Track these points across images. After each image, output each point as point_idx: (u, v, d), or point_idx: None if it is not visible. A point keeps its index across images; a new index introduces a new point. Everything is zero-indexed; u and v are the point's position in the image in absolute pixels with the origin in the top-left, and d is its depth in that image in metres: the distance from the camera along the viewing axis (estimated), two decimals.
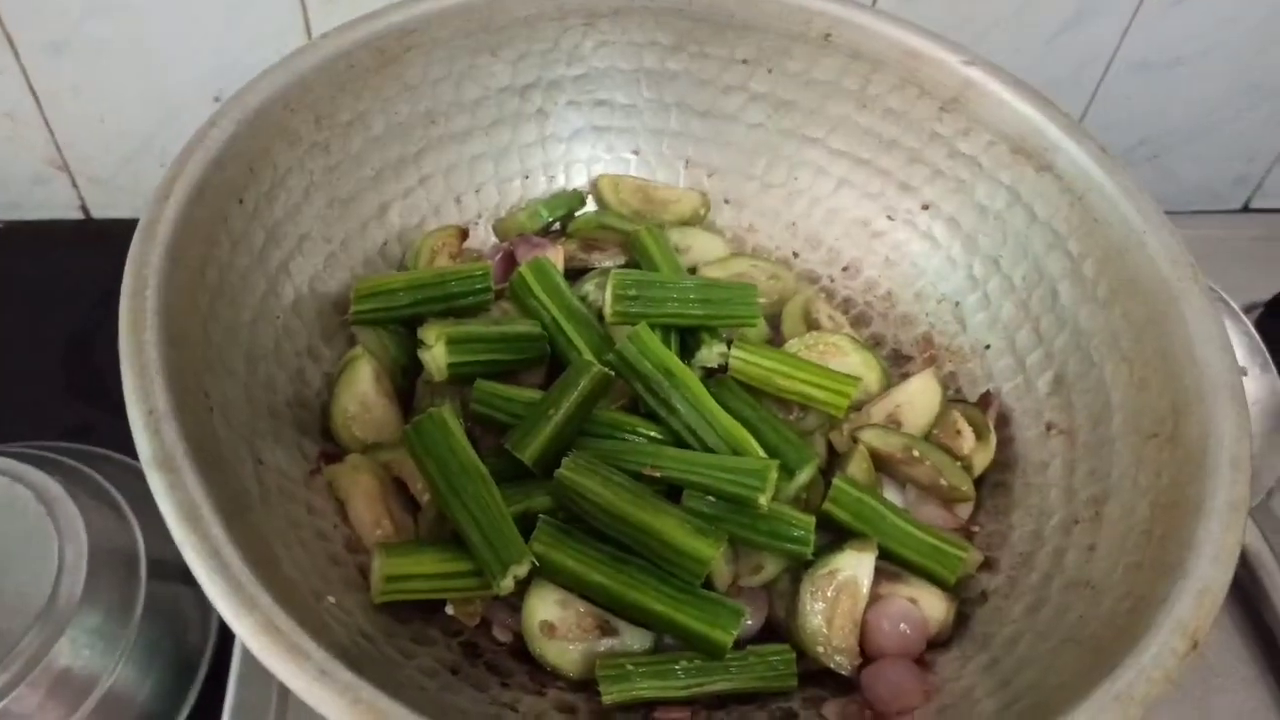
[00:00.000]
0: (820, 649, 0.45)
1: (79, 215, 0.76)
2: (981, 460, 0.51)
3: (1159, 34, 0.75)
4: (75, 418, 0.63)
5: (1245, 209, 0.92)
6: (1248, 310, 0.72)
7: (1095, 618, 0.41)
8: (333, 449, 0.48)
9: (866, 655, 0.45)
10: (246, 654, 0.48)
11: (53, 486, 0.51)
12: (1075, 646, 0.40)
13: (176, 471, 0.33)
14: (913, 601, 0.46)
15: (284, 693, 0.48)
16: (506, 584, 0.41)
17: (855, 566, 0.46)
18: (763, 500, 0.44)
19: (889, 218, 0.58)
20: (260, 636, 0.31)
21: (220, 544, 0.33)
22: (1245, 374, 0.63)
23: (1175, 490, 0.41)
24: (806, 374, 0.50)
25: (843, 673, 0.44)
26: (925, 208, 0.57)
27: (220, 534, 0.33)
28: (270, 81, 0.46)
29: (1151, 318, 0.45)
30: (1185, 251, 0.46)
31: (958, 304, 0.56)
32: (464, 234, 0.55)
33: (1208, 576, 0.37)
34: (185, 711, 0.50)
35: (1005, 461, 0.51)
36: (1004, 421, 0.52)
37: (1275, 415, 0.62)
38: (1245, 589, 0.58)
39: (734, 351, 0.50)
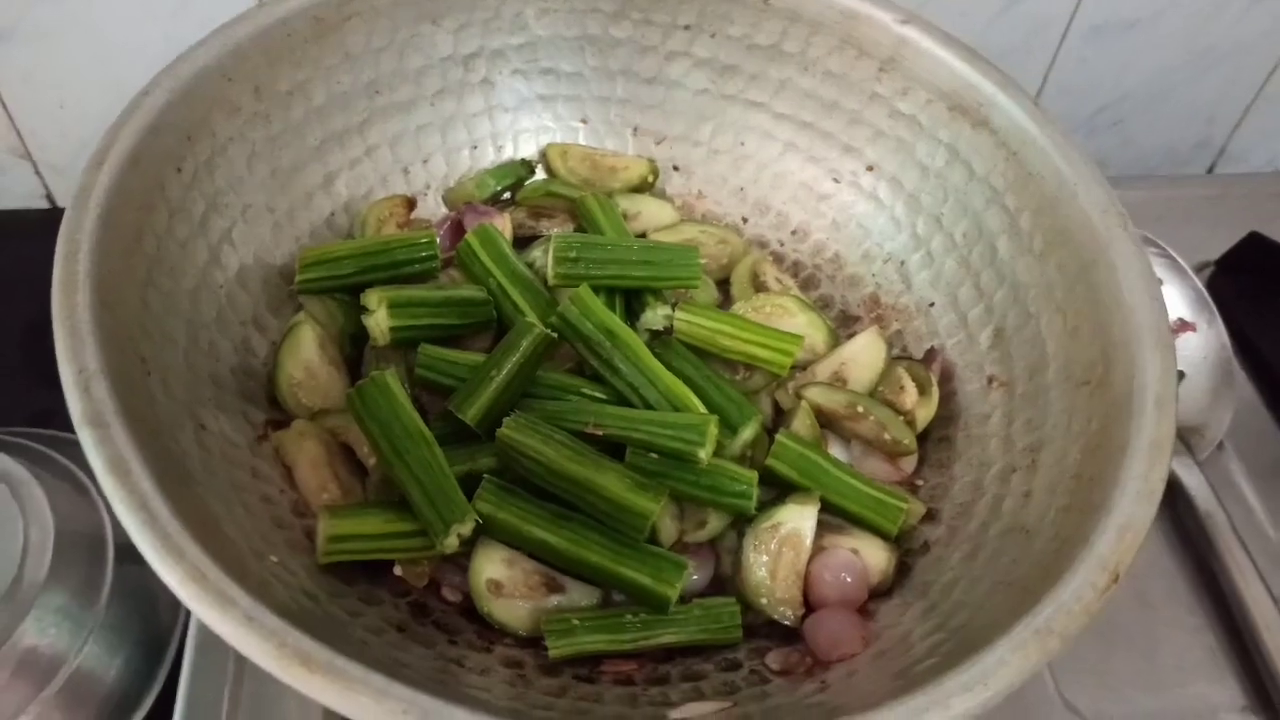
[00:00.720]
0: (764, 601, 0.45)
1: (44, 204, 0.77)
2: (924, 415, 0.52)
3: (1109, 1, 0.75)
4: (38, 404, 0.63)
5: (1210, 173, 0.93)
6: (1199, 269, 0.73)
7: (1027, 559, 0.41)
8: (280, 416, 0.48)
9: (810, 606, 0.46)
10: (201, 624, 0.49)
11: (17, 469, 0.51)
12: (1006, 589, 0.41)
13: (106, 428, 0.34)
14: (855, 553, 0.47)
15: (240, 661, 0.49)
16: (450, 543, 0.42)
17: (798, 519, 0.46)
18: (703, 455, 0.44)
19: (834, 180, 0.58)
20: (189, 585, 0.32)
21: (150, 497, 0.33)
22: (1194, 329, 0.64)
23: (1103, 434, 0.42)
24: (750, 334, 0.51)
25: (786, 623, 0.45)
26: (869, 169, 0.57)
27: (150, 488, 0.33)
28: (205, 51, 0.46)
29: (1083, 267, 0.46)
30: (1115, 201, 0.46)
31: (903, 263, 0.56)
32: (411, 204, 0.56)
33: (1129, 513, 0.38)
34: (154, 691, 0.50)
35: (948, 415, 0.52)
36: (947, 376, 0.53)
37: (1221, 369, 0.63)
38: (1193, 540, 0.58)
39: (678, 313, 0.51)
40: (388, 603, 0.43)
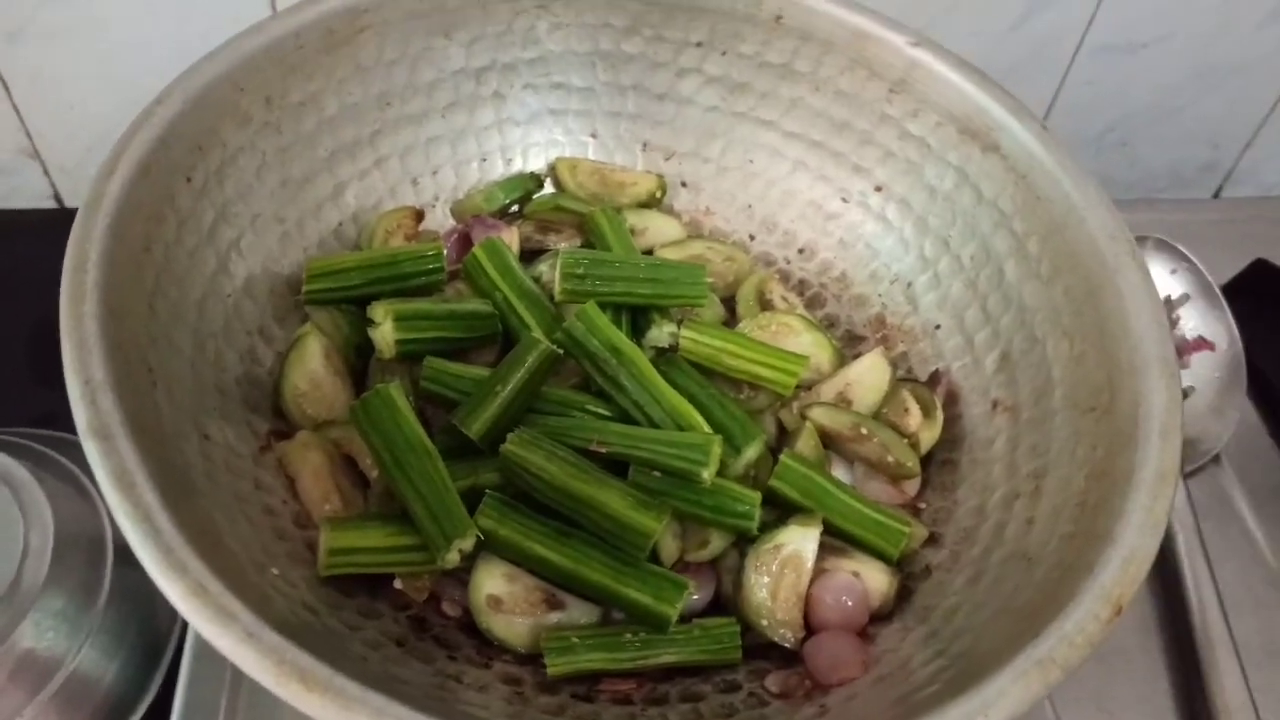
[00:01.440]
0: (765, 622, 0.45)
1: (52, 204, 0.77)
2: (928, 437, 0.51)
3: (1122, 17, 0.76)
4: (42, 404, 0.63)
5: (1216, 196, 0.93)
6: None
7: (1029, 586, 0.41)
8: (283, 427, 0.48)
9: (810, 628, 0.46)
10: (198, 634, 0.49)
11: (18, 470, 0.51)
12: (1008, 616, 0.41)
13: (111, 439, 0.34)
14: (856, 575, 0.47)
15: (237, 670, 0.49)
16: (451, 557, 0.42)
17: (800, 541, 0.46)
18: (706, 475, 0.44)
19: (843, 199, 0.58)
20: (190, 600, 0.32)
21: (153, 510, 0.33)
22: (1211, 348, 0.64)
23: (1108, 461, 0.42)
24: (755, 353, 0.51)
25: (786, 645, 0.45)
26: (878, 189, 0.57)
27: (154, 501, 0.33)
28: (218, 61, 0.46)
29: (1090, 292, 0.46)
30: (1123, 227, 0.46)
31: (909, 284, 0.56)
32: (419, 215, 0.56)
33: (1134, 544, 0.38)
34: (150, 695, 0.50)
35: (953, 439, 0.52)
36: (952, 400, 0.53)
37: (1229, 388, 0.63)
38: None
39: (683, 331, 0.50)
40: (387, 616, 0.43)
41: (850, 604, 0.46)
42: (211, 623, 0.31)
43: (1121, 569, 0.37)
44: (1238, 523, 0.62)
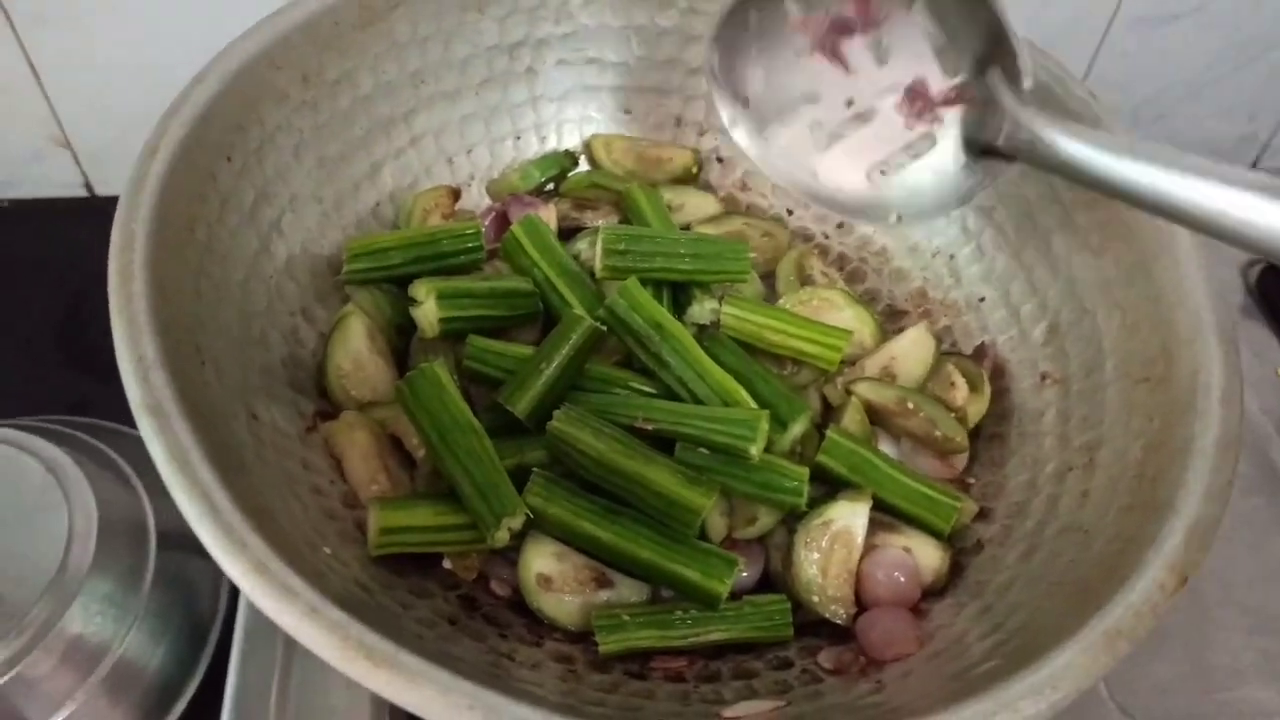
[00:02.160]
0: (815, 599, 0.45)
1: (83, 193, 0.77)
2: (976, 411, 0.51)
3: None
4: (76, 391, 0.64)
5: (1254, 168, 0.91)
6: (1249, 265, 0.71)
7: (1085, 560, 0.41)
8: (328, 407, 0.48)
9: (862, 604, 0.46)
10: (250, 611, 0.49)
11: (61, 457, 0.51)
12: (1065, 589, 0.40)
13: (165, 417, 0.34)
14: (907, 551, 0.46)
15: (289, 649, 0.49)
16: (501, 536, 0.42)
17: (849, 517, 0.46)
18: (754, 450, 0.44)
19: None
20: (251, 576, 0.32)
21: (210, 488, 0.33)
22: None
23: (1166, 432, 0.41)
24: (798, 328, 0.50)
25: (838, 621, 0.45)
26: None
27: (210, 478, 0.33)
28: (254, 40, 0.46)
29: (1141, 262, 0.45)
30: None
31: (952, 257, 0.56)
32: (456, 194, 0.55)
33: (1198, 513, 0.37)
34: (197, 678, 0.50)
35: (1001, 413, 0.51)
36: (999, 373, 0.52)
37: None
38: None
39: (725, 307, 0.50)
40: (438, 595, 0.43)
41: (902, 580, 0.45)
42: (274, 599, 0.31)
43: (1186, 539, 0.37)
44: None
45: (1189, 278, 0.43)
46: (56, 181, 0.75)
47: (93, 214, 0.79)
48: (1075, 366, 0.48)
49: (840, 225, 0.59)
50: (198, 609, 0.52)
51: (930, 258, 0.56)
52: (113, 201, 0.40)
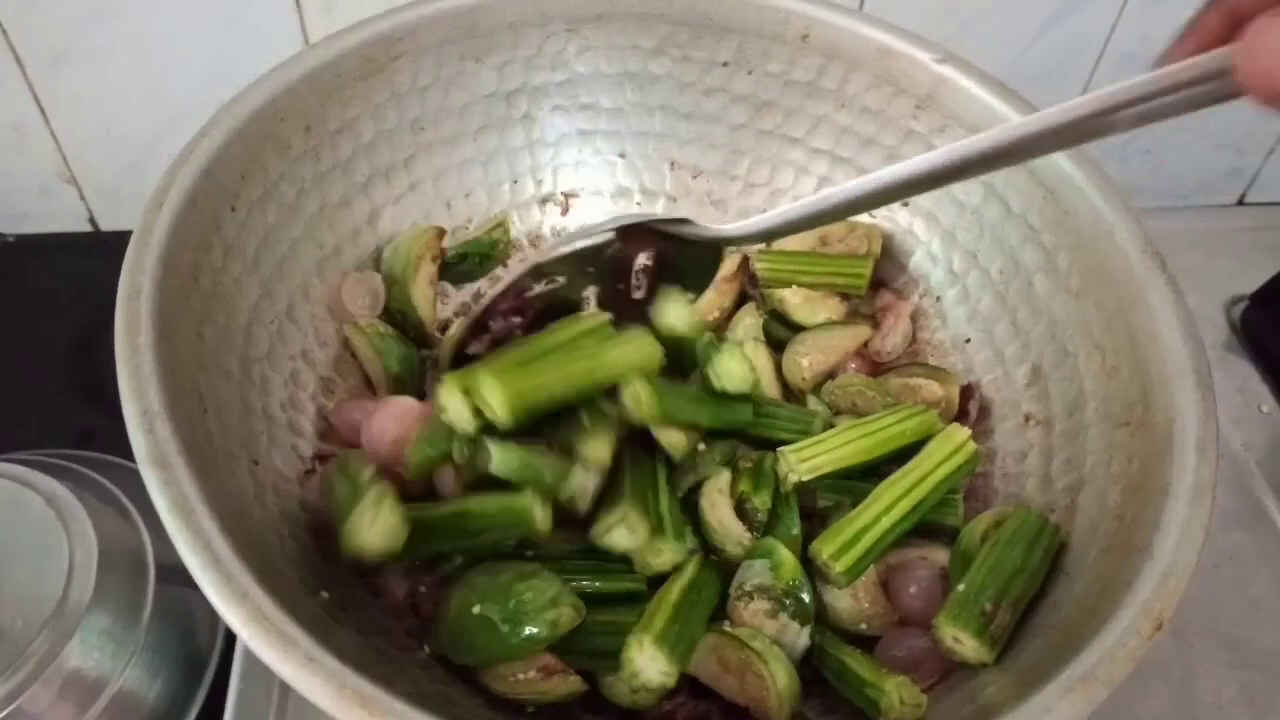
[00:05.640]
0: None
1: (88, 228, 0.78)
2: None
3: (1144, 25, 0.76)
4: (80, 424, 0.65)
5: (1241, 203, 0.92)
6: (1233, 302, 0.73)
7: (1068, 601, 0.42)
8: (328, 449, 0.49)
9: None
10: (247, 651, 0.50)
11: (62, 491, 0.52)
12: (1047, 632, 0.41)
13: (170, 468, 0.35)
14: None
15: (285, 690, 0.49)
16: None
17: None
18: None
19: (870, 215, 0.59)
20: (250, 626, 0.32)
21: (212, 538, 0.34)
22: None
23: (1144, 475, 0.42)
24: (826, 266, 0.57)
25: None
26: (905, 204, 0.58)
27: (213, 528, 0.34)
28: (260, 91, 0.47)
29: (1120, 306, 0.46)
30: (1151, 241, 0.47)
31: (938, 299, 0.57)
32: (441, 233, 0.57)
33: (1172, 559, 0.38)
34: (193, 712, 0.51)
35: (985, 453, 0.52)
36: (984, 414, 0.53)
37: None
38: None
39: (757, 260, 0.57)
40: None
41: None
42: (273, 649, 0.32)
43: (1161, 583, 0.37)
44: (1269, 528, 0.61)
45: (1165, 324, 0.44)
46: (62, 216, 0.76)
47: (98, 248, 0.81)
48: (1058, 408, 0.50)
49: None
50: (195, 642, 0.52)
51: (917, 298, 0.58)
52: (118, 236, 0.40)
